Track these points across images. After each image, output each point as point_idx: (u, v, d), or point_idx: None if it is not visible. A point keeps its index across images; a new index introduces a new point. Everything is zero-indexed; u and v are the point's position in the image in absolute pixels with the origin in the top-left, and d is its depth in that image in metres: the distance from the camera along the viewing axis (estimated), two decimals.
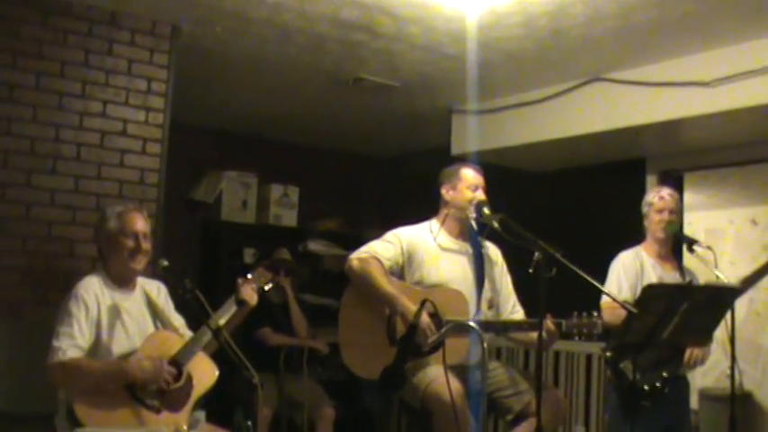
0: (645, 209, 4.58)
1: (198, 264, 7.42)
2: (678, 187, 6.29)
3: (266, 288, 4.17)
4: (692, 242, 4.37)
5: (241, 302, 3.97)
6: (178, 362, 3.68)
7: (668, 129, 5.36)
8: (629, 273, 4.38)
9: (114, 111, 4.75)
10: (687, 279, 4.53)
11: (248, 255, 7.49)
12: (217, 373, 3.82)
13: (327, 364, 6.62)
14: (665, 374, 4.11)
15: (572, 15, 4.53)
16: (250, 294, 4.01)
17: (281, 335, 6.15)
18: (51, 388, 3.65)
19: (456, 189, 4.24)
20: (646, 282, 4.31)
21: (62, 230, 4.60)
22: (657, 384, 4.09)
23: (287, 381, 6.03)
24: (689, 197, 6.58)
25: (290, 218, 7.75)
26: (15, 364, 4.33)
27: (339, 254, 7.63)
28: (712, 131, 5.41)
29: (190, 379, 3.71)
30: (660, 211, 4.49)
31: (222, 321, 3.84)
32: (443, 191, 4.30)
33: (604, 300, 4.30)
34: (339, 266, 7.51)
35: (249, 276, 4.11)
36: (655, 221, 4.51)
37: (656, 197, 4.53)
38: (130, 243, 3.74)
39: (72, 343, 3.50)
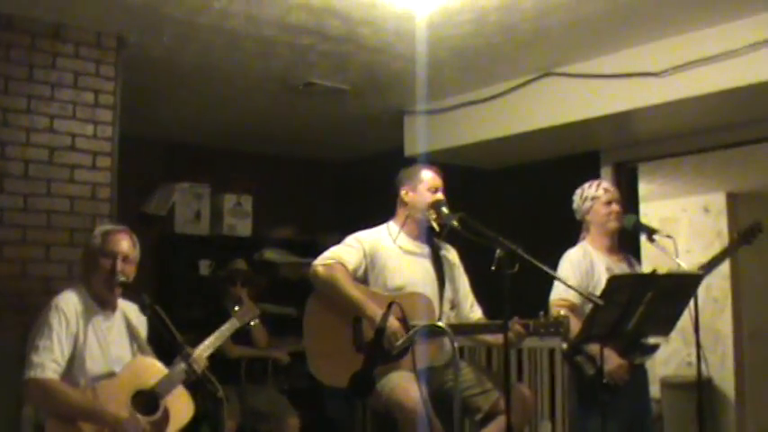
0: (586, 203, 4.52)
1: (154, 278, 7.30)
2: (632, 178, 6.36)
3: (252, 324, 4.20)
4: (652, 231, 4.37)
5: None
6: (156, 394, 3.63)
7: (621, 120, 5.38)
8: (577, 271, 4.36)
9: (61, 125, 4.65)
10: (634, 269, 4.55)
11: (204, 266, 7.43)
12: (192, 409, 3.79)
13: (290, 373, 6.58)
14: None
15: (522, 9, 4.51)
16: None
17: (241, 346, 6.07)
18: (5, 410, 3.58)
19: (416, 191, 4.22)
20: (596, 277, 4.31)
21: (12, 251, 4.48)
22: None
23: (249, 392, 5.97)
24: (643, 188, 6.64)
25: (244, 227, 7.68)
26: None
27: (295, 261, 7.59)
28: (665, 121, 5.45)
29: (167, 413, 3.66)
30: (608, 202, 4.48)
31: (208, 352, 3.93)
32: (402, 192, 4.27)
33: (554, 296, 4.32)
34: (296, 274, 7.51)
35: (237, 309, 4.13)
36: (603, 214, 4.48)
37: (600, 190, 4.51)
38: (107, 264, 3.71)
39: (51, 358, 3.47)
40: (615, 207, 4.48)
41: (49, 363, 3.45)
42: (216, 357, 5.61)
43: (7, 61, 4.50)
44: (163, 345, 3.86)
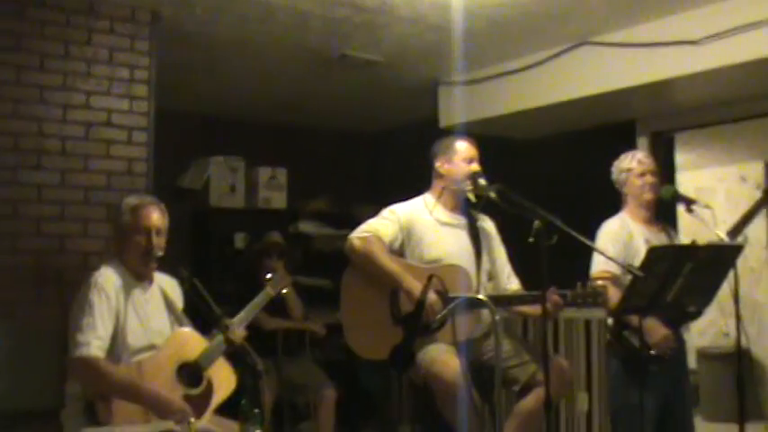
0: (622, 175, 4.50)
1: (189, 251, 7.37)
2: (669, 148, 6.30)
3: (284, 291, 4.19)
4: (690, 202, 4.34)
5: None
6: (199, 366, 3.65)
7: (658, 89, 5.33)
8: (616, 242, 4.33)
9: (98, 101, 4.68)
10: (673, 240, 4.51)
11: (239, 240, 7.45)
12: (235, 380, 3.81)
13: (325, 345, 6.60)
14: None
15: None
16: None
17: (277, 319, 6.10)
18: (48, 384, 3.62)
19: (452, 162, 4.19)
20: (635, 248, 4.28)
21: (51, 227, 4.53)
22: None
23: (286, 364, 6.00)
24: (680, 157, 6.57)
25: (279, 200, 7.69)
26: (10, 363, 4.29)
27: (330, 233, 7.60)
28: (702, 90, 5.39)
29: (210, 385, 3.69)
30: (642, 174, 4.45)
31: (244, 323, 3.94)
32: (438, 164, 4.24)
33: (594, 269, 4.30)
34: (331, 246, 7.52)
35: (269, 277, 4.14)
36: (638, 185, 4.45)
37: (634, 161, 4.48)
38: (143, 241, 3.69)
39: (95, 336, 3.47)
40: (649, 179, 4.44)
41: (93, 340, 3.45)
42: (252, 330, 5.69)
43: (42, 38, 4.54)
44: (199, 317, 3.89)
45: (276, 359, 5.95)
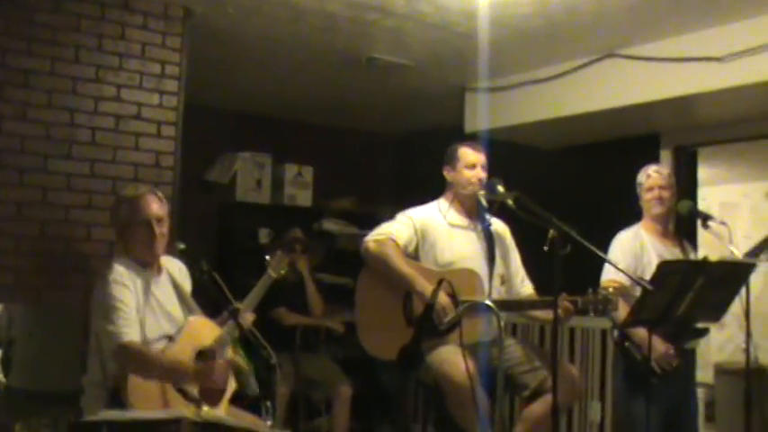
0: (636, 189, 4.58)
1: (213, 245, 7.46)
2: (692, 162, 6.31)
3: (282, 272, 4.22)
4: (706, 218, 4.36)
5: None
6: (214, 352, 3.69)
7: (682, 104, 5.34)
8: (627, 253, 4.37)
9: (128, 95, 4.77)
10: (687, 254, 4.54)
11: (263, 235, 7.52)
12: (248, 368, 3.85)
13: (344, 342, 6.67)
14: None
15: None
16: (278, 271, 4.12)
17: (297, 314, 6.18)
18: (71, 368, 3.68)
19: (455, 169, 4.27)
20: (646, 261, 4.32)
21: (79, 215, 4.63)
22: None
23: (303, 360, 6.07)
24: (703, 172, 6.57)
25: (304, 197, 7.77)
26: (35, 345, 4.39)
27: (354, 233, 7.64)
28: (726, 107, 5.39)
29: None
30: (650, 189, 4.49)
31: (251, 308, 3.91)
32: (445, 171, 4.33)
33: (604, 278, 4.32)
34: (354, 245, 7.52)
35: (269, 259, 4.14)
36: (647, 200, 4.51)
37: (644, 176, 4.53)
38: (144, 231, 3.67)
39: (127, 325, 3.49)
40: (657, 193, 4.47)
41: (125, 329, 3.47)
42: (271, 325, 5.78)
43: (78, 31, 4.63)
44: (208, 301, 3.93)
45: (294, 354, 6.02)
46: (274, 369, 3.64)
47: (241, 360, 3.76)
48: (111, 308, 3.51)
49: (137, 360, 3.48)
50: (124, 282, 3.59)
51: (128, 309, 3.53)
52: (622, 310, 3.96)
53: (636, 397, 4.11)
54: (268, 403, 3.36)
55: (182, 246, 3.85)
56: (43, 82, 4.54)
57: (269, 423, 3.34)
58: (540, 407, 3.99)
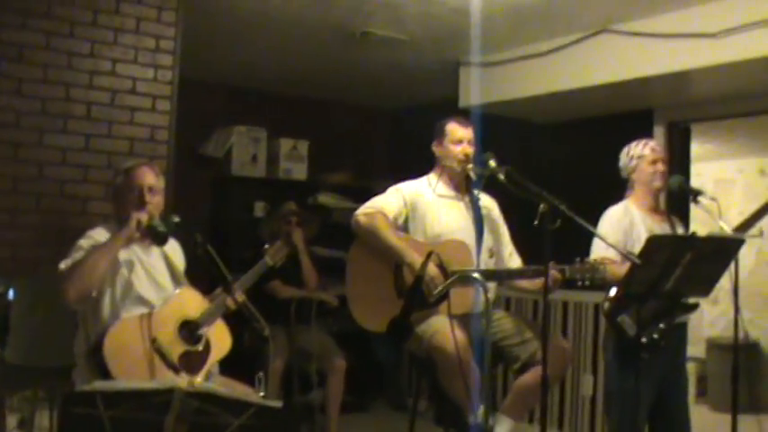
0: (632, 162, 4.50)
1: (208, 218, 7.49)
2: (685, 138, 6.32)
3: (279, 262, 4.26)
4: (697, 193, 4.37)
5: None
6: (199, 325, 3.72)
7: (676, 80, 5.33)
8: (617, 229, 4.36)
9: (123, 69, 4.80)
10: (676, 230, 4.55)
11: (258, 208, 7.54)
12: (231, 341, 3.88)
13: (338, 315, 6.70)
14: (662, 326, 4.12)
15: None
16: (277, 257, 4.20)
17: (291, 287, 6.20)
18: (66, 341, 3.72)
19: (442, 144, 4.31)
20: (635, 236, 4.33)
21: (74, 189, 4.67)
22: (655, 336, 4.11)
23: (298, 332, 6.09)
24: (697, 148, 6.58)
25: (299, 171, 7.78)
26: (32, 319, 4.42)
27: (349, 207, 7.62)
28: (720, 82, 5.39)
29: (208, 344, 3.76)
30: (654, 162, 4.46)
31: (244, 287, 3.93)
32: (433, 146, 4.37)
33: (593, 254, 4.28)
34: (349, 219, 7.56)
35: (268, 247, 4.20)
36: (649, 173, 4.46)
37: (647, 149, 4.48)
38: (134, 198, 3.72)
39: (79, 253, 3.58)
40: (660, 167, 4.46)
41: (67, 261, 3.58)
42: (266, 298, 5.81)
43: (72, 6, 4.66)
44: (206, 278, 3.97)
45: (289, 327, 6.04)
46: (267, 341, 3.67)
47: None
48: (72, 250, 3.62)
49: (72, 271, 3.54)
50: (97, 239, 3.65)
51: (83, 249, 3.62)
52: (620, 272, 3.97)
53: (627, 371, 4.13)
54: (260, 374, 3.39)
55: (176, 219, 3.86)
56: (38, 56, 4.57)
57: (261, 394, 3.38)
58: (530, 377, 4.04)
